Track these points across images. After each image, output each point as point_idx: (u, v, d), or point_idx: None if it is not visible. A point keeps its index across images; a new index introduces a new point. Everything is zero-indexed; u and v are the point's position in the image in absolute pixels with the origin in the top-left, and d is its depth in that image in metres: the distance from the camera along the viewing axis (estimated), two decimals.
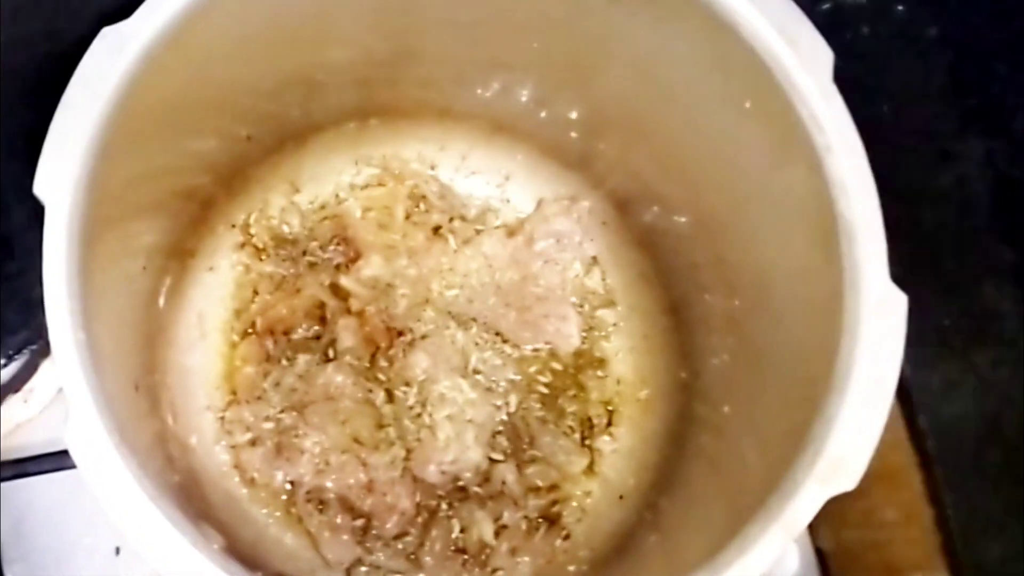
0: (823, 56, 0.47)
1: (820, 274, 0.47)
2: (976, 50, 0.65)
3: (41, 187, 0.45)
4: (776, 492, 0.44)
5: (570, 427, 0.66)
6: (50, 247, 0.45)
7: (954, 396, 0.64)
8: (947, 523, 0.63)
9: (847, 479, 0.44)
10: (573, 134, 0.65)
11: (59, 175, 0.45)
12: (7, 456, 0.63)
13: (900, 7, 0.69)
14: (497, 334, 0.66)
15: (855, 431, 0.44)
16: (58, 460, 0.62)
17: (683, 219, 0.61)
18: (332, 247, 0.68)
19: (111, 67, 0.46)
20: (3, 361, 0.65)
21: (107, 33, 0.47)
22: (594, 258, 0.68)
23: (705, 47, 0.50)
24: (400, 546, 0.63)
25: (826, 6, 0.67)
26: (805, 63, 0.46)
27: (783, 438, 0.47)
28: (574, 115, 0.63)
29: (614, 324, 0.68)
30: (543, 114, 0.65)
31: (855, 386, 0.44)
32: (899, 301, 0.45)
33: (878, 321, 0.45)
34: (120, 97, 0.47)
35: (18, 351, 0.65)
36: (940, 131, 0.67)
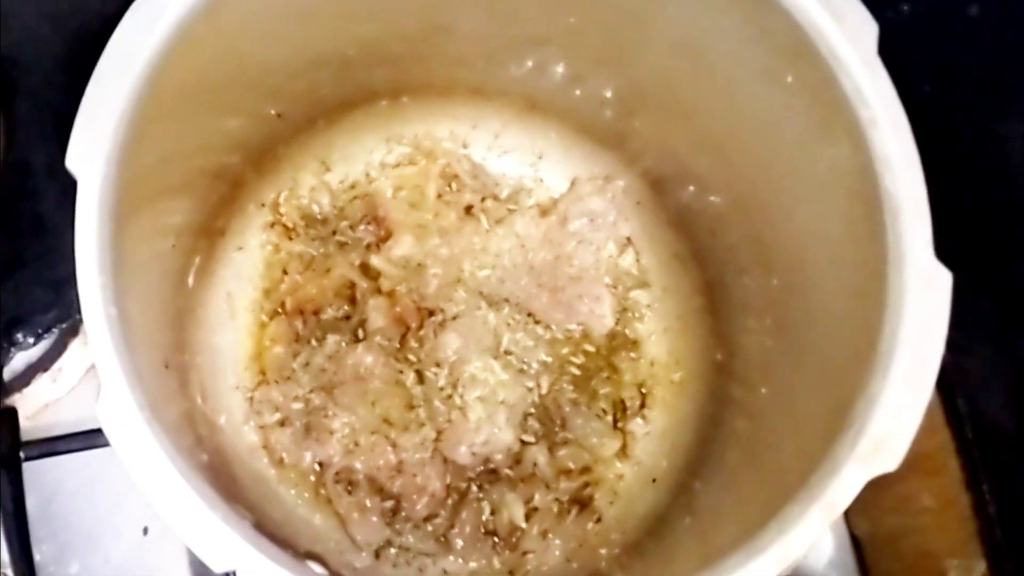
0: (868, 29, 0.46)
1: (862, 251, 0.47)
2: (1019, 28, 0.64)
3: (73, 160, 0.45)
4: (816, 472, 0.44)
5: (603, 409, 0.65)
6: (82, 220, 0.44)
7: (993, 380, 0.63)
8: (985, 509, 0.62)
9: (889, 459, 0.43)
10: (608, 112, 0.64)
11: (91, 148, 0.45)
12: (36, 435, 0.63)
13: None
14: (529, 315, 0.66)
15: (898, 411, 0.43)
16: (87, 439, 0.62)
17: (720, 198, 0.60)
18: (362, 226, 0.67)
19: (144, 39, 0.46)
20: (32, 340, 0.65)
21: (140, 5, 0.46)
22: (628, 238, 0.67)
23: (746, 21, 0.49)
24: (430, 528, 0.63)
25: None
26: (849, 36, 0.46)
27: (822, 418, 0.47)
28: (609, 93, 0.63)
29: (648, 305, 0.67)
30: (577, 92, 0.64)
31: (898, 365, 0.43)
32: (944, 279, 0.44)
33: (922, 299, 0.44)
34: (152, 71, 0.46)
35: (47, 330, 0.65)
36: (983, 111, 0.66)
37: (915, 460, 0.44)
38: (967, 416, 0.63)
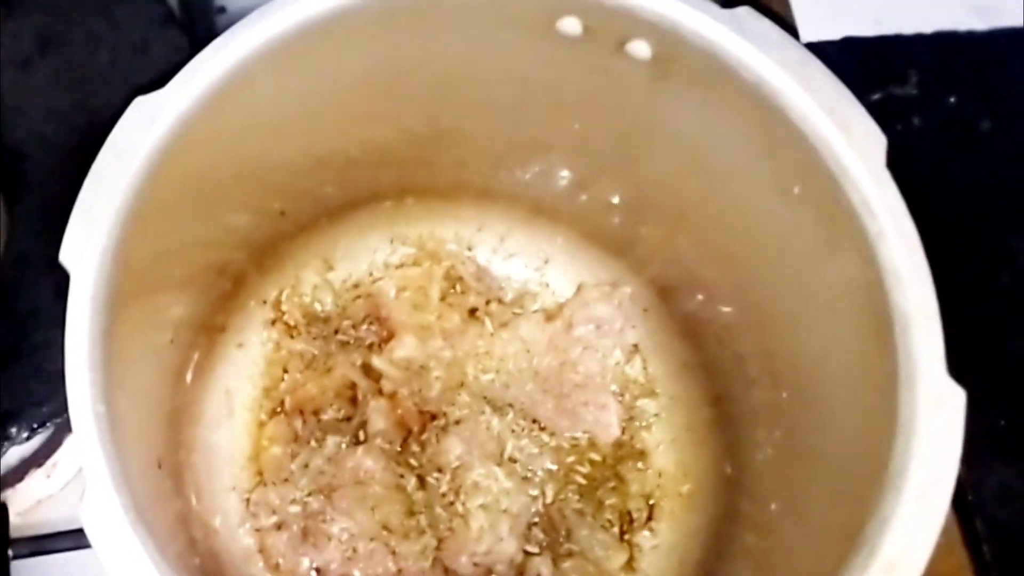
0: (876, 141, 0.45)
1: (873, 366, 0.45)
2: None
3: (67, 255, 0.44)
4: None
5: (608, 520, 0.63)
6: (73, 315, 0.44)
7: (1011, 500, 0.62)
8: None
9: None
10: (615, 218, 0.63)
11: (85, 244, 0.44)
12: (27, 532, 0.62)
13: (952, 99, 0.68)
14: (534, 421, 0.64)
15: (911, 533, 0.41)
16: (77, 538, 0.61)
17: (728, 308, 0.59)
18: (365, 326, 0.66)
19: (143, 136, 0.46)
20: (26, 434, 0.64)
21: (141, 102, 0.47)
22: (635, 346, 0.66)
23: (753, 131, 0.49)
24: None
25: (876, 96, 0.66)
26: (857, 148, 0.45)
27: (834, 537, 0.45)
28: (616, 199, 0.62)
29: (655, 414, 0.65)
30: (584, 197, 0.63)
31: (911, 485, 0.42)
32: (957, 397, 0.43)
33: (935, 417, 0.42)
34: (151, 167, 0.46)
35: (43, 424, 0.64)
36: (996, 226, 0.66)
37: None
38: (985, 536, 0.61)
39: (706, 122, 0.51)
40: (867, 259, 0.45)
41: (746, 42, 0.46)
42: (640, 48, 0.49)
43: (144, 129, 0.46)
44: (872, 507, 0.43)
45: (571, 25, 0.49)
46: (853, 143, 0.45)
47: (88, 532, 0.42)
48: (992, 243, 0.65)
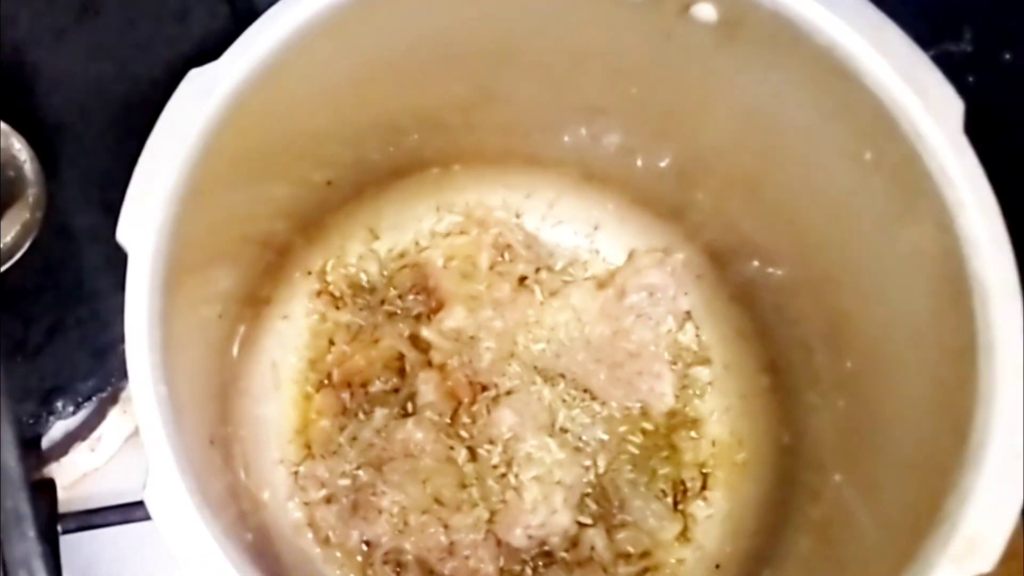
0: (953, 106, 0.44)
1: (948, 338, 0.44)
2: None
3: (124, 234, 0.44)
4: (906, 570, 0.42)
5: (662, 490, 0.63)
6: (132, 297, 0.43)
7: None
8: None
9: (984, 559, 0.40)
10: (668, 183, 0.62)
11: (143, 222, 0.44)
12: (72, 506, 0.62)
13: (1007, 55, 0.67)
14: (586, 391, 0.64)
15: (992, 507, 0.41)
16: (125, 512, 0.61)
17: (787, 274, 0.58)
18: (412, 297, 0.65)
19: (198, 111, 0.45)
20: (72, 408, 0.64)
21: (195, 75, 0.46)
22: (688, 313, 0.65)
23: (823, 95, 0.48)
24: None
25: (930, 53, 0.64)
26: (934, 113, 0.44)
27: (907, 511, 0.45)
28: (669, 163, 0.61)
29: (709, 383, 0.65)
30: (637, 162, 0.62)
31: (992, 459, 0.41)
32: None
33: (1015, 389, 0.42)
34: (205, 142, 0.45)
35: (87, 398, 0.64)
36: None
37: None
38: None
39: (772, 86, 0.50)
40: (944, 228, 0.44)
41: (819, 4, 0.45)
42: (706, 11, 0.48)
43: (199, 103, 0.45)
44: (951, 481, 0.42)
45: None
46: (930, 109, 0.44)
47: (153, 514, 0.41)
48: None
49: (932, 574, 0.41)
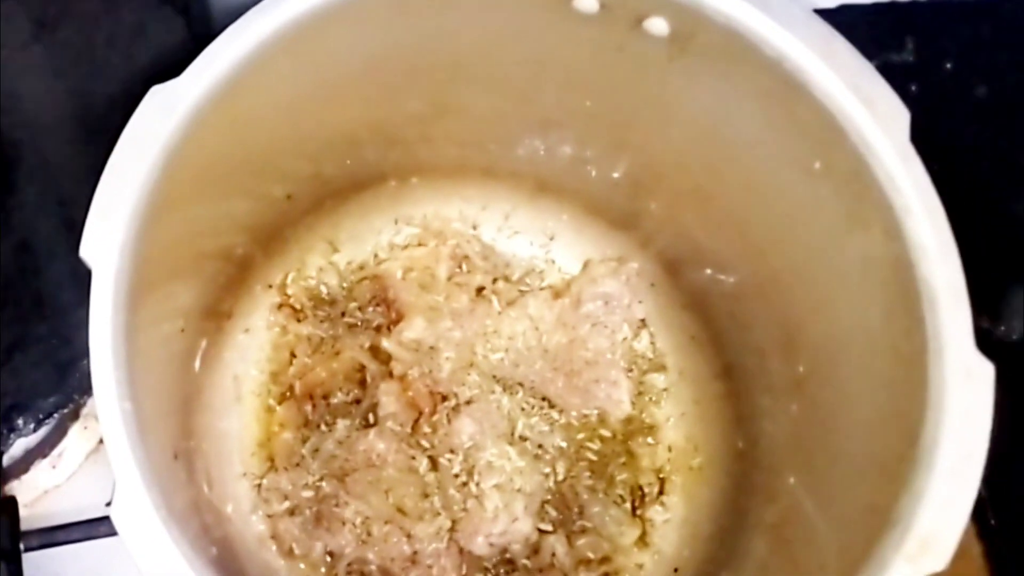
0: (900, 115, 0.45)
1: (899, 341, 0.45)
2: None
3: (88, 250, 0.44)
4: (861, 571, 0.42)
5: (620, 496, 0.63)
6: (96, 313, 0.43)
7: (1012, 467, 0.62)
8: None
9: (937, 558, 0.41)
10: (621, 193, 0.63)
11: (106, 238, 0.44)
12: (35, 524, 0.62)
13: (948, 65, 0.68)
14: (544, 399, 0.64)
15: (944, 507, 0.42)
16: (87, 529, 0.61)
17: (739, 281, 0.59)
18: (372, 308, 0.66)
19: (160, 127, 0.45)
20: (33, 425, 0.63)
21: (156, 92, 0.46)
22: (643, 321, 0.66)
23: (772, 107, 0.49)
24: None
25: (873, 63, 0.66)
26: (881, 123, 0.45)
27: (861, 513, 0.46)
28: (623, 174, 0.62)
29: (664, 389, 0.65)
30: (591, 173, 0.63)
31: (943, 460, 0.42)
32: (986, 370, 0.43)
33: (965, 391, 0.43)
34: (168, 158, 0.46)
35: (48, 415, 0.64)
36: (995, 192, 0.66)
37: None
38: (989, 502, 0.62)
39: (723, 98, 0.51)
40: (893, 234, 0.45)
41: (768, 18, 0.46)
42: (658, 25, 0.49)
43: (161, 119, 0.45)
44: (903, 483, 0.43)
45: (588, 3, 0.49)
46: (877, 118, 0.45)
47: (119, 530, 0.42)
48: (991, 210, 0.66)
49: (886, 574, 0.42)
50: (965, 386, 0.43)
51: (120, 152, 0.45)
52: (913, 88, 0.67)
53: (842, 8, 0.67)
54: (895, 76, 0.66)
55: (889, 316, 0.46)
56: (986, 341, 0.61)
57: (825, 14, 0.47)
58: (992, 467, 0.61)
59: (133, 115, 0.45)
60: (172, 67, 0.47)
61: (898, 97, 0.46)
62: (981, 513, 0.64)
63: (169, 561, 0.41)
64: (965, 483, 0.42)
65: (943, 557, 0.41)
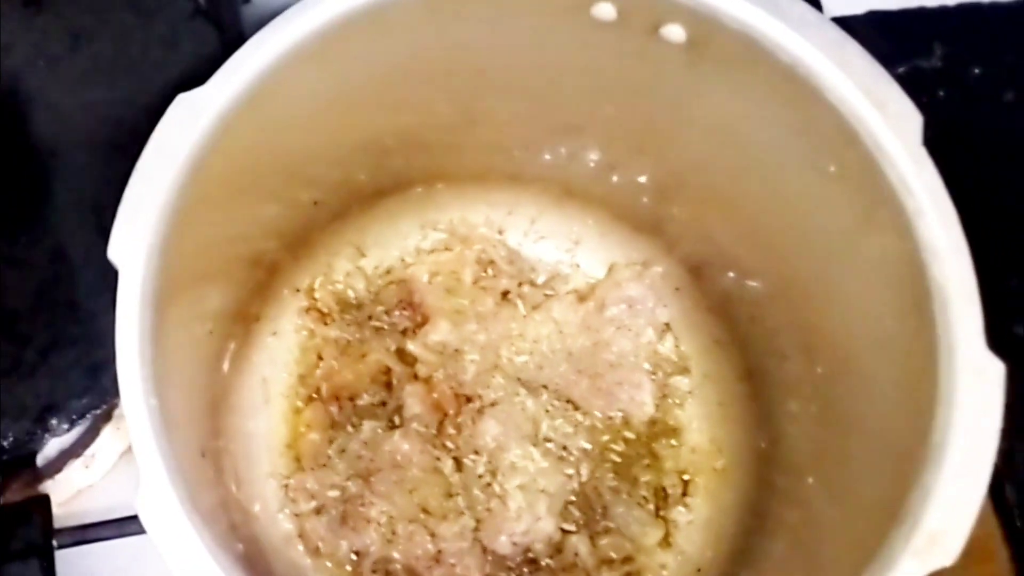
0: (912, 119, 0.46)
1: (911, 341, 0.46)
2: None
3: (115, 252, 0.45)
4: (870, 567, 0.43)
5: (644, 497, 0.64)
6: (123, 311, 0.45)
7: None
8: None
9: (945, 554, 0.42)
10: (645, 199, 0.64)
11: (133, 240, 0.45)
12: (68, 522, 0.63)
13: (976, 70, 0.68)
14: (568, 401, 0.65)
15: (953, 504, 0.42)
16: (119, 527, 0.62)
17: (760, 284, 0.60)
18: (398, 312, 0.67)
19: (186, 134, 0.47)
20: (66, 426, 0.64)
21: (182, 100, 0.47)
22: (667, 324, 0.67)
23: (788, 111, 0.49)
24: None
25: (902, 69, 0.66)
26: (893, 126, 0.45)
27: (873, 510, 0.46)
28: (646, 179, 0.63)
29: (688, 392, 0.66)
30: (614, 178, 0.64)
31: (952, 457, 0.43)
32: (997, 370, 0.43)
33: (975, 390, 0.43)
34: (194, 164, 0.47)
35: (81, 415, 0.65)
36: (1020, 195, 0.66)
37: (964, 549, 0.42)
38: (1015, 503, 0.62)
39: (740, 103, 0.51)
40: (905, 235, 0.45)
41: (782, 24, 0.46)
42: (675, 32, 0.49)
43: (187, 126, 0.47)
44: (913, 480, 0.44)
45: (605, 10, 0.50)
46: (890, 122, 0.45)
47: (145, 523, 0.43)
48: (1020, 213, 0.66)
49: (895, 569, 0.42)
50: (975, 385, 0.43)
51: (147, 158, 0.46)
52: (941, 93, 0.67)
53: (871, 14, 0.67)
54: (923, 82, 0.67)
55: (902, 316, 0.47)
56: (1018, 347, 0.62)
57: (853, 20, 0.48)
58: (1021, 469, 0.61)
59: (160, 122, 0.47)
60: (203, 77, 0.48)
61: (910, 101, 0.46)
62: (1008, 516, 0.63)
63: (194, 555, 0.42)
64: (974, 480, 0.43)
65: (951, 553, 0.42)
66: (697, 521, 0.63)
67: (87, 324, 0.64)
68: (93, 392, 0.64)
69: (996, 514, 0.62)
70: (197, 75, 0.48)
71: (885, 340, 0.49)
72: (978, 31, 0.71)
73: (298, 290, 0.66)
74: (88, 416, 0.64)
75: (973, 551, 0.60)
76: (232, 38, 0.65)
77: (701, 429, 0.65)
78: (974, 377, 0.43)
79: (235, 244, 0.59)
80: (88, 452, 0.66)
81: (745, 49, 0.48)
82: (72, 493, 0.66)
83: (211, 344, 0.60)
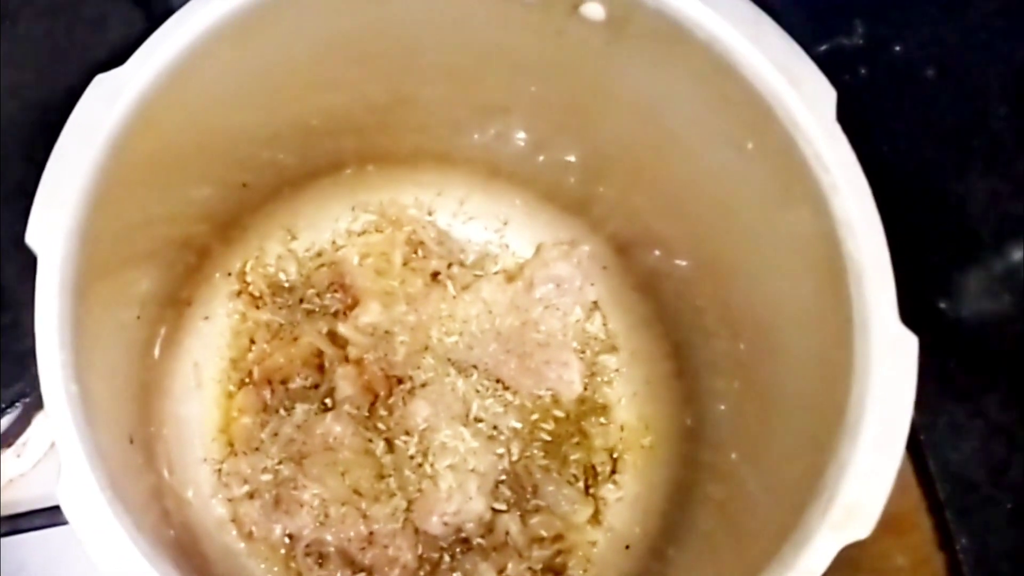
0: (826, 95, 0.46)
1: (828, 316, 0.46)
2: (975, 90, 0.65)
3: (33, 237, 0.45)
4: (789, 540, 0.43)
5: (573, 475, 0.64)
6: (42, 297, 0.44)
7: (962, 439, 0.63)
8: (959, 568, 0.62)
9: (861, 526, 0.42)
10: (572, 178, 0.64)
11: (52, 224, 0.45)
12: (1, 511, 0.62)
13: (897, 48, 0.69)
14: (498, 381, 0.65)
15: (869, 476, 0.43)
16: (53, 515, 0.61)
17: (685, 262, 0.60)
18: (329, 294, 0.67)
19: (104, 115, 0.46)
20: None
21: (101, 80, 0.47)
22: (595, 303, 0.67)
23: (706, 88, 0.50)
24: None
25: (823, 47, 0.66)
26: (808, 102, 0.46)
27: (795, 484, 0.46)
28: (573, 158, 0.63)
29: (616, 370, 0.66)
30: (541, 158, 0.64)
31: (867, 430, 0.43)
32: (910, 343, 0.44)
33: (889, 363, 0.44)
34: (114, 145, 0.46)
35: (11, 404, 0.64)
36: (941, 172, 0.67)
37: (888, 520, 0.43)
38: (937, 475, 0.63)
39: (660, 81, 0.52)
40: (820, 211, 0.46)
41: (699, 1, 0.47)
42: (594, 10, 0.50)
43: (106, 107, 0.46)
44: (830, 453, 0.44)
45: None
46: (804, 99, 0.46)
47: (65, 510, 0.42)
48: (940, 190, 0.66)
49: (813, 541, 0.42)
50: (889, 358, 0.44)
51: (65, 140, 0.46)
52: (863, 71, 0.67)
53: None
54: (845, 59, 0.67)
55: (818, 291, 0.47)
56: (940, 320, 0.63)
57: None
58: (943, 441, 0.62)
59: (78, 103, 0.46)
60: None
61: (825, 77, 0.46)
62: (930, 488, 0.64)
63: (116, 542, 0.42)
64: (889, 453, 0.43)
65: (867, 525, 0.42)
66: (626, 498, 0.64)
67: (15, 312, 0.63)
68: (23, 380, 0.63)
69: (920, 485, 0.63)
70: (125, 57, 0.48)
71: (803, 315, 0.49)
72: (900, 8, 0.71)
73: (230, 274, 0.66)
74: (18, 404, 0.64)
75: (897, 522, 0.61)
76: (160, 19, 0.64)
77: (629, 407, 0.66)
78: (888, 350, 0.44)
79: (163, 227, 0.59)
80: (19, 441, 0.66)
81: (662, 27, 0.48)
82: (4, 482, 0.65)
83: (140, 329, 0.60)
